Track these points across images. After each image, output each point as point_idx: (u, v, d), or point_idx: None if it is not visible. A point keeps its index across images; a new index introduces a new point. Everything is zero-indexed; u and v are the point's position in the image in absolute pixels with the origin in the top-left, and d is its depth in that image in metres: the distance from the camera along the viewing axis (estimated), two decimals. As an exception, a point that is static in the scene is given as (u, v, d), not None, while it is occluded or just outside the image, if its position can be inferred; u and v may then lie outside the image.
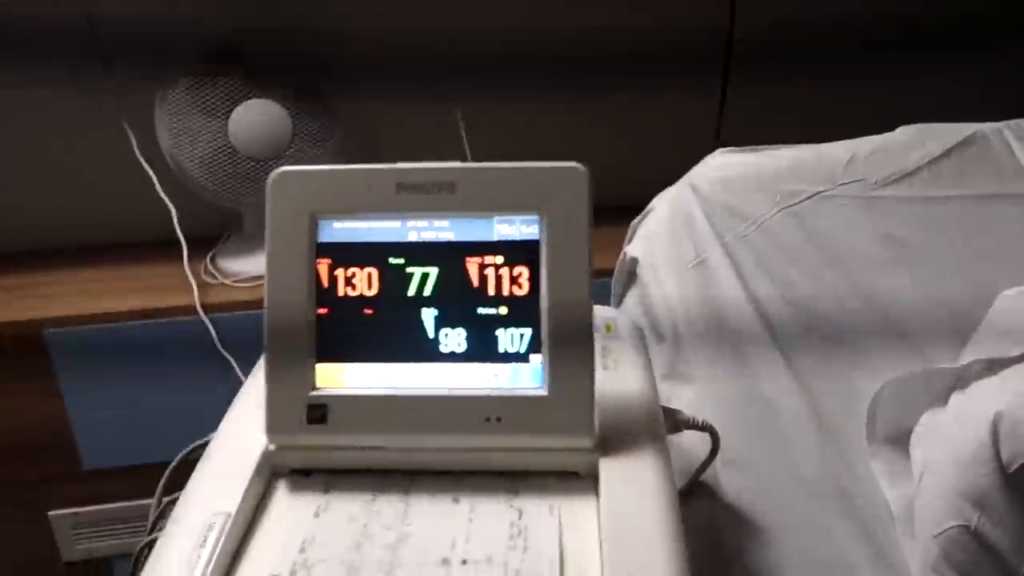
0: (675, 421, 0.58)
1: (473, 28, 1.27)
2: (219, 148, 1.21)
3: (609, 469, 0.44)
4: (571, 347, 0.44)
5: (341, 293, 0.45)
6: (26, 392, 1.28)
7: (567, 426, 0.44)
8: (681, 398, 0.66)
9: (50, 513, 1.40)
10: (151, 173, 1.25)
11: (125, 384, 1.29)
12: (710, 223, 0.73)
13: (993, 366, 0.58)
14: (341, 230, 0.46)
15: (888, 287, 0.70)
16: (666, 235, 0.74)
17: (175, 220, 1.26)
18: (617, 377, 0.52)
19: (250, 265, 1.28)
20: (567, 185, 0.45)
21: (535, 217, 0.45)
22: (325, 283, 0.45)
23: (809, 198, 0.74)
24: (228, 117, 1.20)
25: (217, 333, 1.19)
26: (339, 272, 0.45)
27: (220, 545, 0.40)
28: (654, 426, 0.48)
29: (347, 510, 0.43)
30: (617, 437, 0.46)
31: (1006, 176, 0.78)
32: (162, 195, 1.26)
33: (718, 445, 0.60)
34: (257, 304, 1.30)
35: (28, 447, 1.34)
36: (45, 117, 1.29)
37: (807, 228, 0.74)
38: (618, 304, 0.77)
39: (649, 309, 0.72)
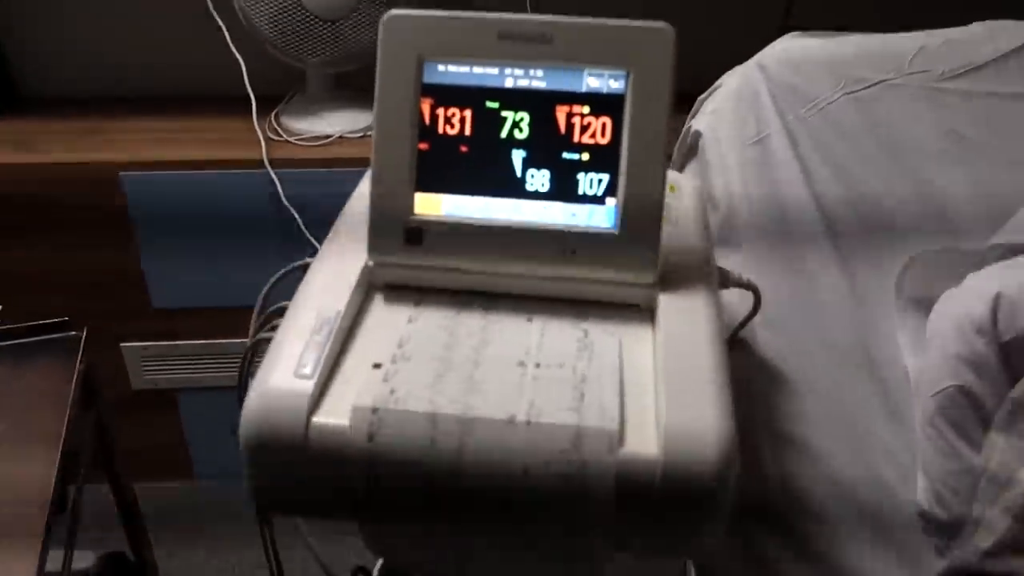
0: (723, 277, 0.63)
1: None
2: (288, 5, 1.23)
3: (667, 303, 0.50)
4: (643, 195, 0.49)
5: (441, 131, 0.51)
6: (101, 232, 1.36)
7: (633, 263, 0.50)
8: (729, 260, 0.72)
9: (122, 345, 1.51)
10: (223, 27, 1.28)
11: (193, 230, 1.37)
12: (774, 102, 0.76)
13: (1008, 253, 0.62)
14: (444, 73, 0.50)
15: (941, 179, 0.73)
16: (731, 111, 0.77)
17: (245, 75, 1.30)
18: (678, 232, 0.57)
19: (313, 125, 1.33)
20: (654, 44, 0.49)
21: (623, 72, 0.49)
22: (427, 121, 0.51)
23: (874, 85, 0.77)
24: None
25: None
26: (440, 111, 0.50)
27: (332, 337, 0.47)
28: (708, 274, 0.54)
29: (436, 320, 0.50)
30: (675, 280, 0.52)
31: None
32: (233, 50, 1.29)
33: (759, 304, 0.66)
34: (318, 163, 1.35)
35: (103, 283, 1.43)
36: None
37: (869, 114, 0.76)
38: (680, 165, 0.82)
39: (707, 181, 0.77)
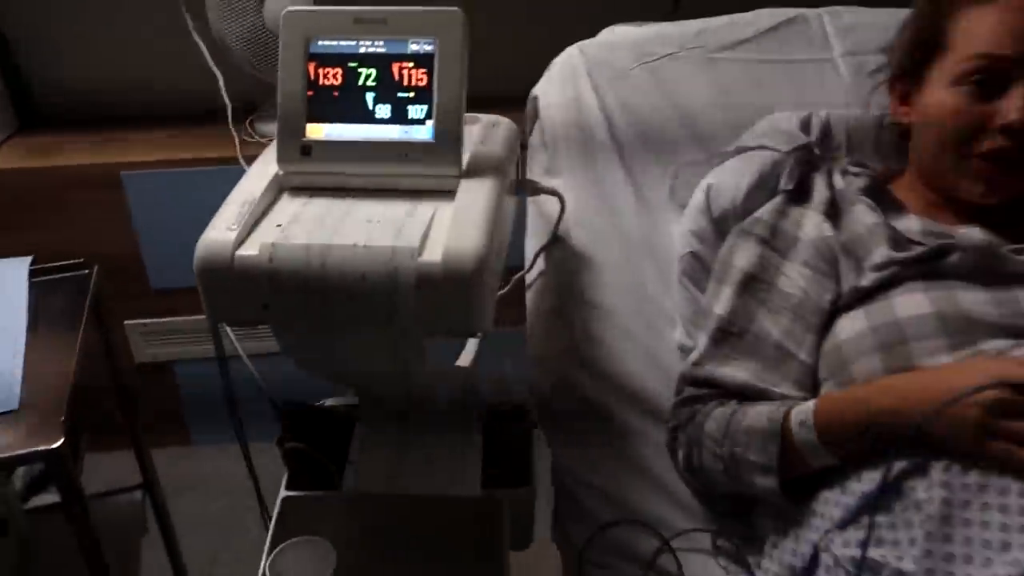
0: (533, 188, 0.92)
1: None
2: (256, 26, 1.53)
3: (464, 186, 0.78)
4: (449, 118, 0.78)
5: (320, 83, 0.79)
6: (106, 223, 1.64)
7: (444, 162, 0.78)
8: (552, 182, 1.00)
9: (125, 322, 1.78)
10: (203, 47, 1.58)
11: (184, 218, 1.65)
12: (588, 74, 1.05)
13: (728, 156, 0.91)
14: (323, 45, 0.79)
15: (708, 115, 1.02)
16: (557, 79, 1.06)
17: (222, 88, 1.59)
18: (486, 149, 0.85)
19: None
20: (452, 22, 0.77)
21: (432, 39, 0.78)
22: (312, 77, 0.79)
23: (662, 57, 1.06)
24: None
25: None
26: (320, 71, 0.79)
27: (251, 209, 0.75)
28: (500, 173, 0.81)
29: (320, 204, 0.78)
30: (474, 175, 0.80)
31: (815, 46, 1.08)
32: (212, 66, 1.59)
33: (564, 206, 0.94)
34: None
35: (106, 268, 1.72)
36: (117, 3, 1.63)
37: (658, 78, 1.05)
38: (529, 133, 1.11)
39: (542, 131, 1.06)
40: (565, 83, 1.06)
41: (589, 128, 1.03)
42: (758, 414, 0.78)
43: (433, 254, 0.70)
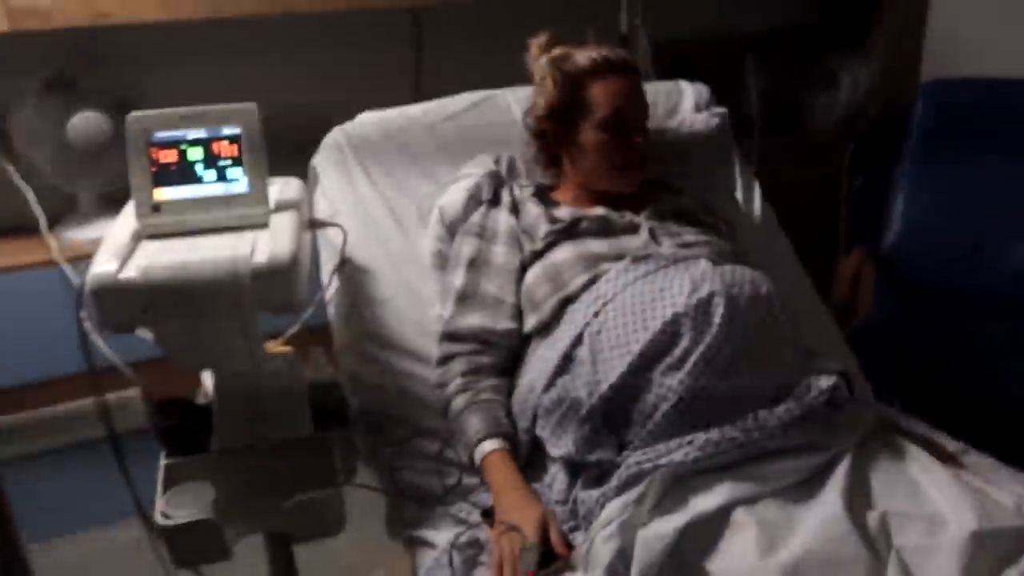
0: (321, 223, 1.33)
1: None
2: (61, 147, 1.81)
3: (274, 219, 1.16)
4: (257, 176, 1.16)
5: (162, 161, 1.15)
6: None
7: (257, 206, 1.16)
8: (336, 219, 1.41)
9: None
10: (11, 169, 1.83)
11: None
12: (350, 145, 1.49)
13: (450, 184, 1.39)
14: (160, 136, 1.15)
15: (437, 163, 1.49)
16: (327, 152, 1.50)
17: (33, 202, 1.83)
18: (284, 195, 1.24)
19: (89, 233, 1.85)
20: (250, 113, 1.17)
21: (238, 124, 1.17)
22: (154, 158, 1.14)
23: (401, 130, 1.52)
24: (67, 124, 1.80)
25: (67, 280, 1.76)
26: (160, 153, 1.15)
27: (122, 250, 1.08)
28: (296, 211, 1.20)
29: (172, 242, 1.12)
30: (280, 212, 1.18)
31: (504, 114, 1.60)
32: (20, 183, 1.84)
33: (346, 235, 1.35)
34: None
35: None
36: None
37: (399, 143, 1.52)
38: (313, 191, 1.51)
39: (323, 186, 1.48)
40: (333, 154, 1.49)
41: (355, 181, 1.47)
42: (469, 424, 1.22)
43: (261, 257, 1.08)
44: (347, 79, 2.00)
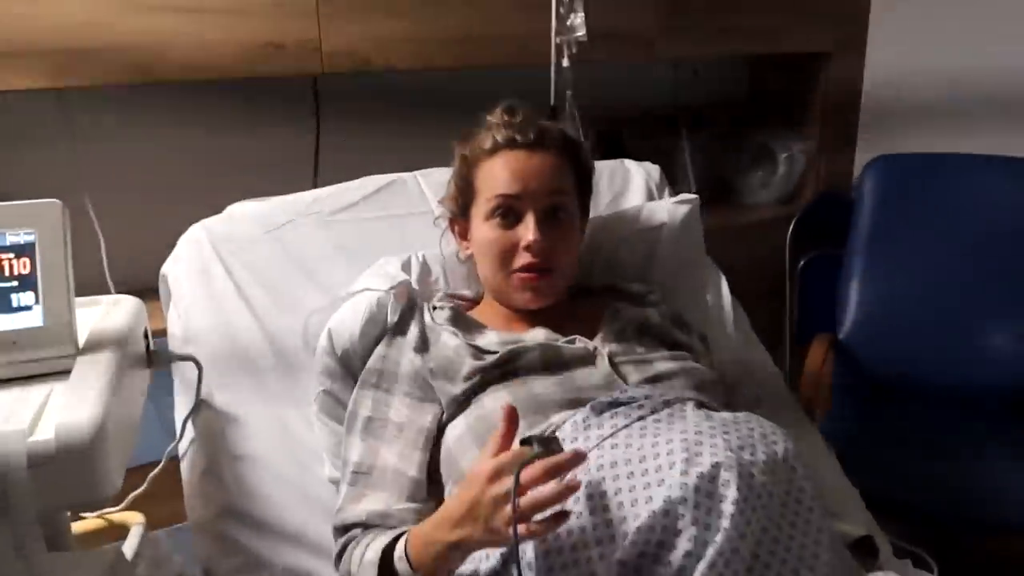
0: (168, 357, 0.96)
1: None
2: None
3: (80, 365, 0.80)
4: (56, 304, 0.80)
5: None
6: None
7: (57, 342, 0.80)
8: (191, 350, 1.05)
9: None
10: None
11: None
12: (213, 246, 1.14)
13: (343, 300, 1.05)
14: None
15: (328, 268, 1.15)
16: (184, 256, 1.14)
17: None
18: (105, 324, 0.88)
19: None
20: (51, 212, 0.82)
21: (32, 229, 0.81)
22: None
23: (283, 226, 1.18)
24: None
25: None
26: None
27: None
28: (119, 345, 0.85)
29: None
30: (93, 352, 0.82)
31: (413, 201, 1.28)
32: None
33: (202, 370, 1.00)
34: None
35: None
36: None
37: (282, 242, 1.17)
38: (165, 309, 1.15)
39: (175, 304, 1.11)
40: (192, 258, 1.13)
41: (219, 295, 1.10)
42: (376, 548, 0.85)
43: (46, 432, 0.71)
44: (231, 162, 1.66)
